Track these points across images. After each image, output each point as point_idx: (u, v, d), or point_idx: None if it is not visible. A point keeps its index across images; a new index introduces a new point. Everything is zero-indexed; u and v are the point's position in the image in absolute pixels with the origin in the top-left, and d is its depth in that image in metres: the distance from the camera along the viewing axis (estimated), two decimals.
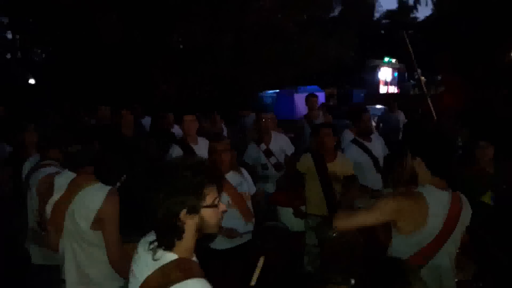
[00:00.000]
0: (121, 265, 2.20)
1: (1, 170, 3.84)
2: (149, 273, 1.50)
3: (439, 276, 2.24)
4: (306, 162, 3.96)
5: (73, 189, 2.28)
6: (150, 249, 1.53)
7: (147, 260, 1.53)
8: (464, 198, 2.32)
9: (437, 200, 2.21)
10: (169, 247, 1.53)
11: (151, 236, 1.58)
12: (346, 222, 2.26)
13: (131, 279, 1.61)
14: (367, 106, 10.10)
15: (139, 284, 1.53)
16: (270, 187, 4.50)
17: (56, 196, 2.33)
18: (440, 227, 2.19)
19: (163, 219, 1.50)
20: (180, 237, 1.51)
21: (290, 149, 4.74)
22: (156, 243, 1.52)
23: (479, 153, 3.81)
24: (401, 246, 2.23)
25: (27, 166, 3.40)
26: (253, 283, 1.76)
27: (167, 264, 1.50)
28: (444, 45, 16.30)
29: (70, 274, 2.32)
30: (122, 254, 2.21)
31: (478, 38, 13.76)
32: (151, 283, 1.50)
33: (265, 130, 4.77)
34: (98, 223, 2.22)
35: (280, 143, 4.78)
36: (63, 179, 2.37)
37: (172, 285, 1.45)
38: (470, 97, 10.55)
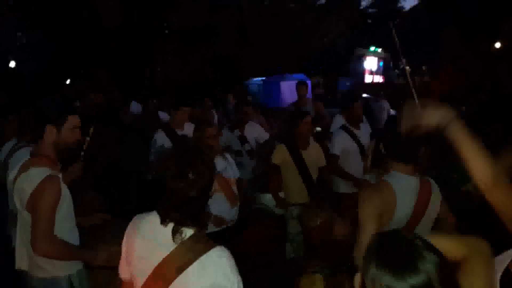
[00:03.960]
0: (48, 254, 2.14)
1: None
2: (169, 250, 1.52)
3: None
4: (281, 154, 4.02)
5: (21, 169, 2.23)
6: (171, 227, 1.54)
7: (161, 237, 1.55)
8: (433, 183, 2.37)
9: (404, 187, 2.25)
10: (202, 225, 1.59)
11: (152, 216, 1.61)
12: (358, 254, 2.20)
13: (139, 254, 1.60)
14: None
15: (157, 262, 1.53)
16: (244, 174, 4.48)
17: (11, 176, 2.29)
18: (410, 213, 2.24)
19: (199, 198, 1.56)
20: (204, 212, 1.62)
21: (262, 136, 4.81)
22: (176, 221, 1.55)
23: None
24: None
25: (4, 151, 3.38)
26: None
27: (188, 238, 1.53)
28: (448, 20, 16.20)
29: (19, 254, 2.29)
30: (48, 245, 2.13)
31: (483, 12, 13.68)
32: (175, 259, 1.52)
33: (244, 120, 4.82)
34: (31, 205, 2.15)
35: (253, 131, 4.82)
36: (22, 159, 2.32)
37: (197, 258, 1.49)
38: (477, 72, 10.54)
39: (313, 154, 4.07)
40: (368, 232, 2.18)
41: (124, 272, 1.73)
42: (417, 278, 1.03)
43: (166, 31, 13.38)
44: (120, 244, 1.99)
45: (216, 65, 14.41)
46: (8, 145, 3.44)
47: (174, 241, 1.51)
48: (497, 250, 1.54)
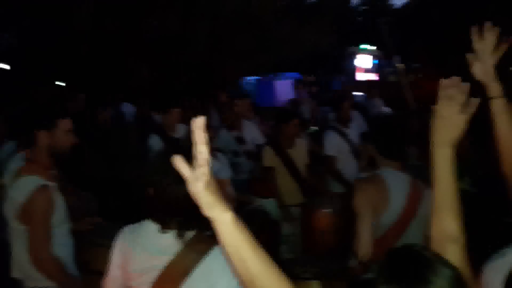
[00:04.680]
0: (43, 266, 2.13)
1: None
2: (172, 255, 1.52)
3: None
4: (270, 156, 4.08)
5: (13, 177, 2.20)
6: (173, 231, 1.54)
7: (162, 244, 1.54)
8: (422, 185, 2.41)
9: (397, 181, 2.33)
10: (206, 226, 1.55)
11: (145, 226, 1.60)
12: (363, 247, 2.26)
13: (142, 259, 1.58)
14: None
15: (163, 265, 1.53)
16: (241, 175, 4.47)
17: (5, 180, 2.26)
18: (402, 206, 2.30)
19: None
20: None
21: (259, 139, 4.78)
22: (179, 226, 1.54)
23: None
24: (374, 228, 2.32)
25: (2, 154, 3.33)
26: None
27: (189, 241, 1.53)
28: (418, 34, 16.47)
29: (13, 262, 2.26)
30: (45, 256, 2.12)
31: (451, 28, 13.95)
32: (179, 264, 1.52)
33: (237, 116, 4.77)
34: (23, 216, 2.13)
35: (252, 132, 4.79)
36: (16, 163, 2.29)
37: (201, 259, 1.49)
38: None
39: (300, 152, 4.10)
40: (365, 220, 2.25)
41: (111, 285, 1.68)
42: None
43: (139, 37, 13.42)
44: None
45: (189, 71, 14.47)
46: (9, 147, 3.39)
47: (179, 245, 1.51)
48: (492, 248, 1.55)
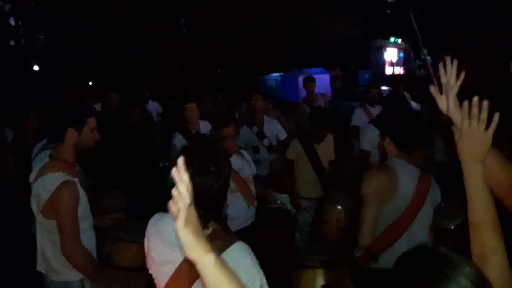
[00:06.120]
0: (74, 258, 2.19)
1: (5, 156, 3.86)
2: None
3: None
4: (296, 149, 4.13)
5: (39, 173, 2.27)
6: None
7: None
8: (434, 182, 2.50)
9: (406, 171, 2.38)
10: (222, 221, 1.61)
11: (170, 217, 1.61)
12: (365, 235, 2.32)
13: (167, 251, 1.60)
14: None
15: (178, 263, 1.55)
16: (261, 170, 4.43)
17: (30, 177, 2.33)
18: (411, 195, 2.35)
19: (221, 190, 1.58)
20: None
21: (282, 134, 4.75)
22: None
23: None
24: (381, 217, 2.37)
25: (35, 151, 3.42)
26: None
27: (206, 237, 1.53)
28: (455, 19, 15.87)
29: (38, 256, 2.34)
30: (76, 247, 2.18)
31: (490, 10, 13.44)
32: None
33: (255, 111, 4.72)
34: (48, 211, 2.19)
35: (273, 127, 4.77)
36: (41, 161, 2.36)
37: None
38: (481, 72, 10.32)
39: (327, 148, 4.16)
40: (370, 207, 2.32)
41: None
42: None
43: (172, 33, 13.48)
44: (134, 242, 1.96)
45: (222, 66, 14.41)
46: (39, 146, 3.48)
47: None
48: None
